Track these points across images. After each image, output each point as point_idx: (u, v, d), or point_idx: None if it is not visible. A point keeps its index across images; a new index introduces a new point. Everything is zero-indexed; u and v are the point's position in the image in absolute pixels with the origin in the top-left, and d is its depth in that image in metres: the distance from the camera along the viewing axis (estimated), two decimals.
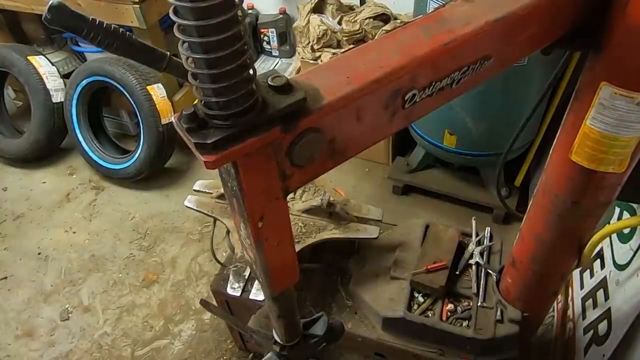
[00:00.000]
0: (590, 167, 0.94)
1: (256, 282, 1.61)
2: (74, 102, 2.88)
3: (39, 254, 2.65)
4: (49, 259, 2.62)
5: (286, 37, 3.32)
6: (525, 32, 0.73)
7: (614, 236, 1.47)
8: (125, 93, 2.70)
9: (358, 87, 0.59)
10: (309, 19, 2.80)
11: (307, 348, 0.95)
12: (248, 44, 0.52)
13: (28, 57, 2.88)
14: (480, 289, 1.47)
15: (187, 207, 1.63)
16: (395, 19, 2.74)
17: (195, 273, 2.49)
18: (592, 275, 1.56)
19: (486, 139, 2.28)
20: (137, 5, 2.48)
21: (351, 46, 2.58)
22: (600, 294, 1.46)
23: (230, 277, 1.64)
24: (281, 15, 3.23)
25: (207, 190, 1.67)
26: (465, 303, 1.47)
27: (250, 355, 2.12)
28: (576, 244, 1.17)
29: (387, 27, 2.67)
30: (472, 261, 1.55)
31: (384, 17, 2.72)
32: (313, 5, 2.84)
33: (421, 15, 0.72)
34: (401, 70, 0.62)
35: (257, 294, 1.59)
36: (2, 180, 3.06)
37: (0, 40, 3.19)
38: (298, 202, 1.60)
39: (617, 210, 1.48)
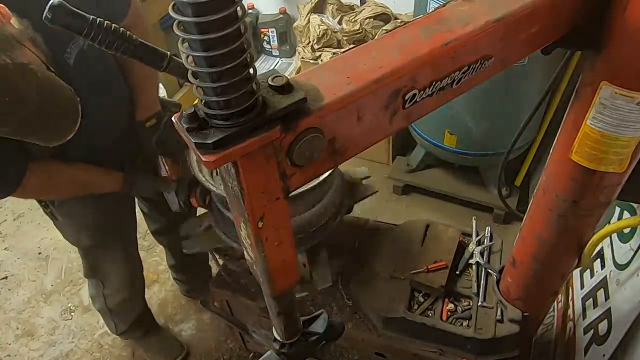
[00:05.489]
0: (591, 167, 0.94)
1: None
2: None
3: (40, 253, 2.66)
4: (49, 258, 2.63)
5: (286, 37, 3.32)
6: (526, 32, 0.73)
7: (614, 236, 1.47)
8: None
9: (358, 87, 0.59)
10: (309, 19, 2.81)
11: (306, 346, 0.95)
12: (248, 43, 0.52)
13: None
14: (481, 289, 1.47)
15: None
16: (396, 18, 2.74)
17: None
18: (592, 275, 1.56)
19: (486, 138, 2.28)
20: None
21: (351, 46, 2.59)
22: (600, 293, 1.46)
23: None
24: (281, 15, 3.23)
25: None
26: (466, 303, 1.47)
27: (251, 355, 2.12)
28: (576, 243, 1.17)
29: (388, 26, 2.67)
30: (472, 261, 1.55)
31: (384, 17, 2.73)
32: (313, 5, 2.84)
33: (421, 15, 0.72)
34: (401, 70, 0.62)
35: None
36: None
37: None
38: None
39: (617, 210, 1.48)
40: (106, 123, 1.42)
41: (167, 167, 1.57)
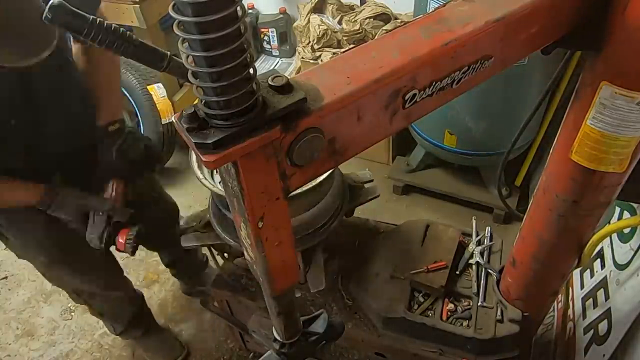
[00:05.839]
0: (591, 167, 0.94)
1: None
2: None
3: None
4: None
5: (286, 37, 3.32)
6: (526, 32, 0.73)
7: (614, 236, 1.47)
8: (126, 93, 2.70)
9: (358, 87, 0.59)
10: (309, 19, 2.80)
11: (306, 346, 0.96)
12: (248, 43, 0.52)
13: None
14: (481, 289, 1.47)
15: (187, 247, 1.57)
16: (396, 18, 2.74)
17: None
18: (592, 275, 1.56)
19: (486, 138, 2.28)
20: (137, 5, 2.48)
21: (351, 46, 2.59)
22: (600, 293, 1.46)
23: None
24: (281, 15, 3.23)
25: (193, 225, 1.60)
26: (466, 303, 1.47)
27: (251, 355, 2.12)
28: (576, 243, 1.17)
29: (388, 26, 2.67)
30: (472, 261, 1.55)
31: (384, 17, 2.72)
32: (313, 4, 2.84)
33: (421, 15, 0.72)
34: (401, 70, 0.62)
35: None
36: None
37: None
38: None
39: (617, 210, 1.48)
40: (63, 131, 1.37)
41: (114, 192, 1.44)
